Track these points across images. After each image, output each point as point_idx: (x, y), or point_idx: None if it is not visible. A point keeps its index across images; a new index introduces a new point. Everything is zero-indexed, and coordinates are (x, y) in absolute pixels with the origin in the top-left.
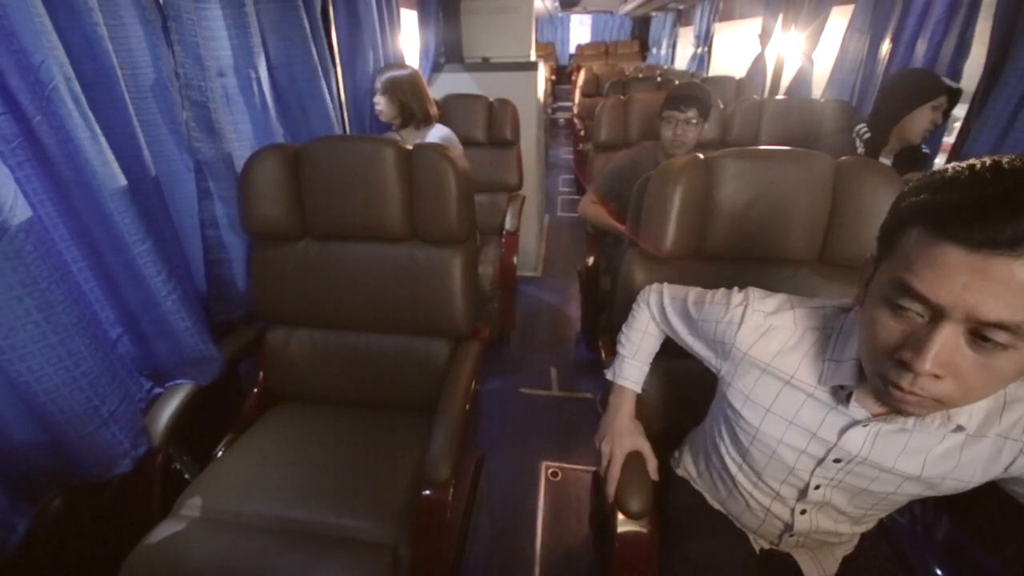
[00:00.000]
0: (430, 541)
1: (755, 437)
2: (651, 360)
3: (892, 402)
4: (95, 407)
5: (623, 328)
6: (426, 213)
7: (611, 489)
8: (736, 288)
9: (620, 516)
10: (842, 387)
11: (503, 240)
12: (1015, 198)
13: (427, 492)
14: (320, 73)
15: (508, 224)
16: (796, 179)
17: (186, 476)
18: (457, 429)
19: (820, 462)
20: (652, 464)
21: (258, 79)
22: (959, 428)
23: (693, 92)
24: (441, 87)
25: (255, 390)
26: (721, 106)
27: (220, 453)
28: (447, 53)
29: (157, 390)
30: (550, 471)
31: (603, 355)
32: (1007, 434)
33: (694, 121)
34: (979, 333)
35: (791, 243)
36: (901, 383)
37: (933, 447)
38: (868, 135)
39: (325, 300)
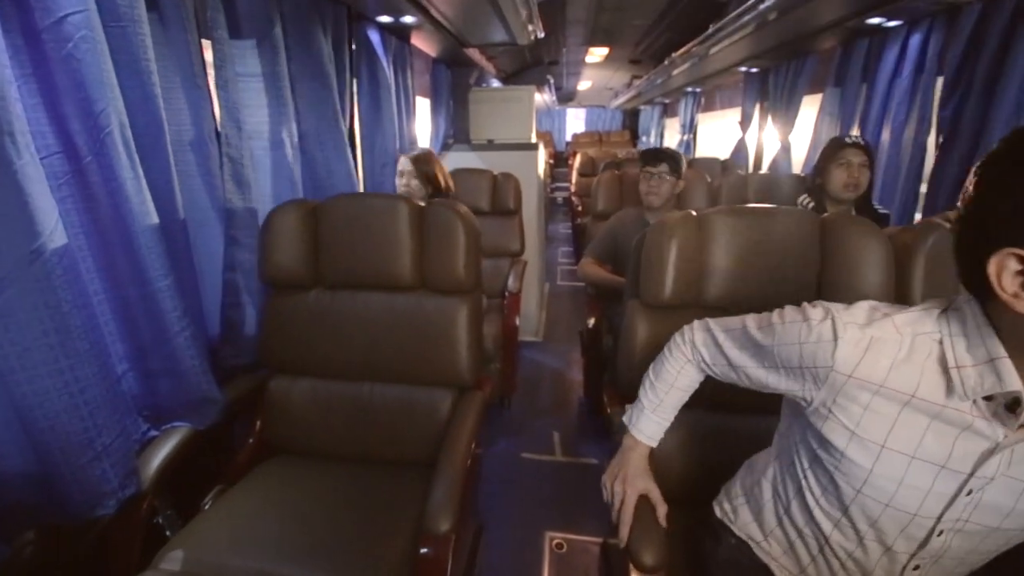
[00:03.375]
0: None
1: (866, 482)
2: (673, 415)
3: None
4: (91, 439)
5: (649, 371)
6: (435, 264)
7: (624, 532)
8: (805, 303)
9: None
10: (989, 397)
11: (505, 301)
12: None
13: (425, 550)
14: (346, 142)
15: (511, 285)
16: (784, 234)
17: (167, 533)
18: (458, 480)
19: (952, 501)
20: (662, 511)
21: (285, 143)
22: None
23: (663, 149)
24: (449, 163)
25: (250, 440)
26: (708, 180)
27: (207, 505)
28: (456, 135)
29: (153, 432)
30: (555, 542)
31: (607, 410)
32: None
33: (667, 176)
34: None
35: (787, 292)
36: None
37: None
38: (811, 203)
39: (331, 349)
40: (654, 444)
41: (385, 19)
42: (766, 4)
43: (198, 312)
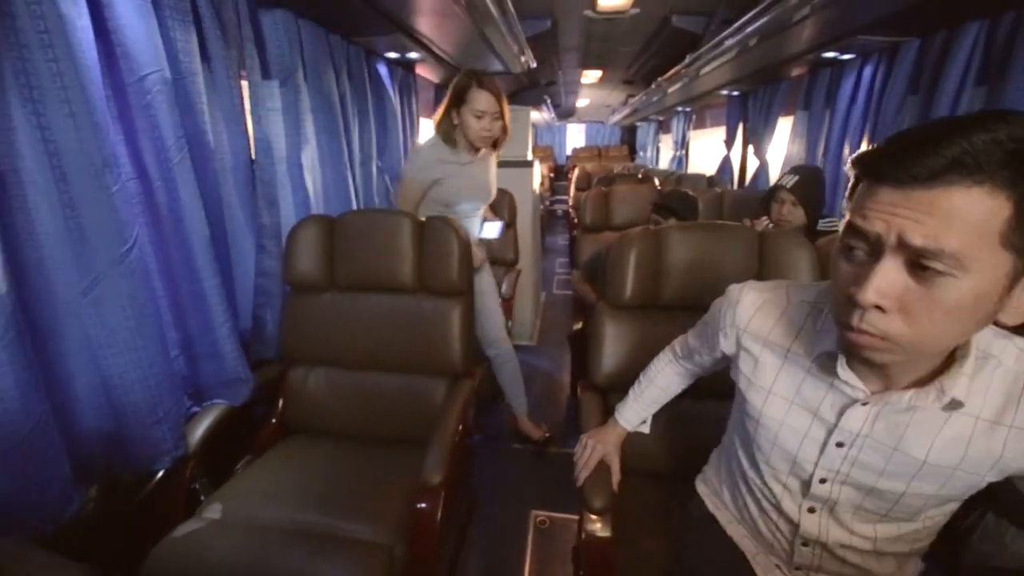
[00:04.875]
0: (423, 544)
1: (759, 422)
2: (652, 408)
3: (850, 347)
4: (154, 406)
5: (641, 373)
6: (432, 269)
7: (583, 476)
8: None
9: (591, 527)
10: (828, 354)
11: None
12: (929, 143)
13: (422, 505)
14: (346, 165)
15: (504, 292)
16: (728, 246)
17: (202, 498)
18: (449, 445)
19: (823, 449)
20: (615, 479)
21: (304, 167)
22: (955, 402)
23: (671, 203)
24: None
25: (273, 420)
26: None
27: (238, 470)
28: None
29: (195, 409)
30: (539, 519)
31: (578, 392)
32: None
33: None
34: (917, 263)
35: None
36: (851, 321)
37: (939, 430)
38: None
39: (343, 342)
40: (629, 428)
41: (392, 55)
42: (731, 40)
43: (234, 309)
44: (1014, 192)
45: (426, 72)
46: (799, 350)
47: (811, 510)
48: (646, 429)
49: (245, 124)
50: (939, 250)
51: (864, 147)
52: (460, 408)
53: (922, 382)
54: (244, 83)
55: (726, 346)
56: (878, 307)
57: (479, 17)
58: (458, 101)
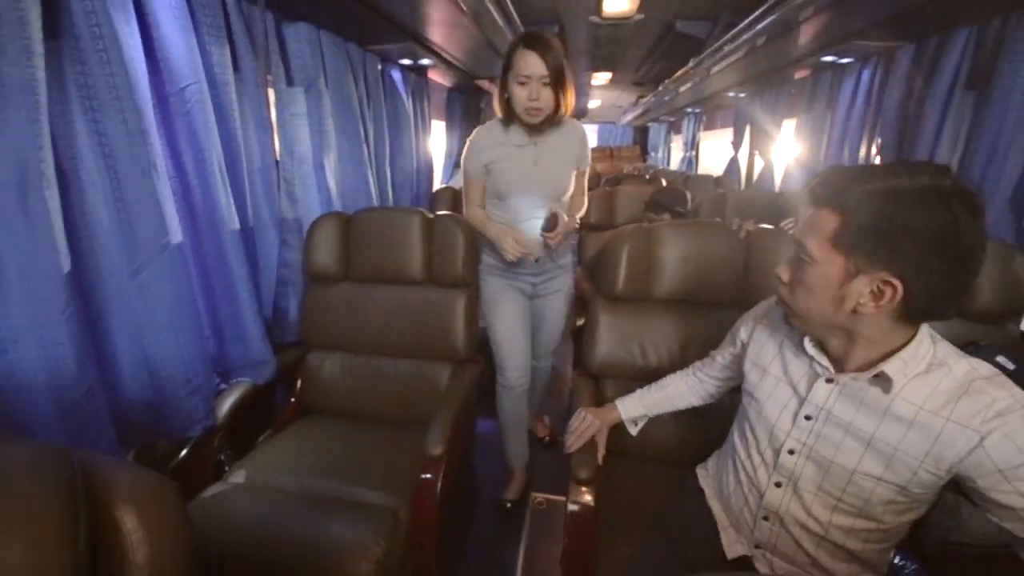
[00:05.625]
0: (425, 509)
1: (753, 395)
2: (650, 410)
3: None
4: (188, 379)
5: None
6: (440, 263)
7: (577, 445)
8: None
9: (576, 497)
10: (802, 335)
11: None
12: (820, 182)
13: (427, 475)
14: (366, 165)
15: None
16: (716, 243)
17: (227, 468)
18: (451, 422)
19: (795, 420)
20: (600, 453)
21: (325, 167)
22: (884, 375)
23: (664, 200)
24: (461, 179)
25: (292, 400)
26: (689, 196)
27: (260, 443)
28: None
29: (223, 386)
30: (537, 500)
31: (572, 379)
32: (964, 422)
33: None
34: (797, 254)
35: (719, 289)
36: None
37: (886, 410)
38: None
39: (357, 329)
40: (624, 416)
41: (406, 62)
42: (732, 45)
43: (259, 297)
44: (839, 212)
45: (439, 77)
46: (793, 336)
47: (778, 484)
48: (634, 432)
49: (271, 128)
50: (803, 244)
51: (864, 149)
52: (462, 389)
53: (867, 367)
54: (270, 90)
55: (744, 335)
56: (781, 281)
57: (486, 26)
58: (506, 69)
